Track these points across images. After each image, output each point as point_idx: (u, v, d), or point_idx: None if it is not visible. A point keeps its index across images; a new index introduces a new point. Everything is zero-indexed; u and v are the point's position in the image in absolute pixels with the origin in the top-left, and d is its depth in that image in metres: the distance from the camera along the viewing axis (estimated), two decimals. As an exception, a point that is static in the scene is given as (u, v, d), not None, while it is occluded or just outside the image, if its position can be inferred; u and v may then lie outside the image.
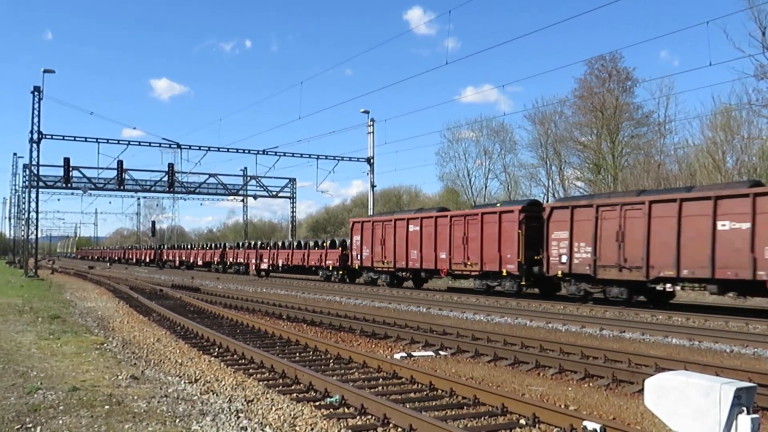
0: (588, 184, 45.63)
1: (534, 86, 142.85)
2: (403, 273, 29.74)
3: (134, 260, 78.89)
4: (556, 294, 23.44)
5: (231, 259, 50.45)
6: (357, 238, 32.18)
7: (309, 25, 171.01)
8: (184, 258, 61.05)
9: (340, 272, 35.26)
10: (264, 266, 44.30)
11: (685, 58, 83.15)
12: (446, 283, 31.78)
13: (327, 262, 36.54)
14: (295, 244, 42.44)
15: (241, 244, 51.21)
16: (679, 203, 18.01)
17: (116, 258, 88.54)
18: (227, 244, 54.85)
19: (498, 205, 26.07)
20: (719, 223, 16.98)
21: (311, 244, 40.33)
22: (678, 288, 18.51)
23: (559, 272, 21.22)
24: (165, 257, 66.58)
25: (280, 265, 42.19)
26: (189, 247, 65.66)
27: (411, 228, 28.45)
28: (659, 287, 18.74)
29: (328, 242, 38.32)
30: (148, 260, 72.38)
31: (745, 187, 17.45)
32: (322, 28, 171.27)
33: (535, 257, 22.30)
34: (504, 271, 23.36)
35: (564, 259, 21.01)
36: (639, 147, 44.12)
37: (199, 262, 56.77)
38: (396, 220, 29.66)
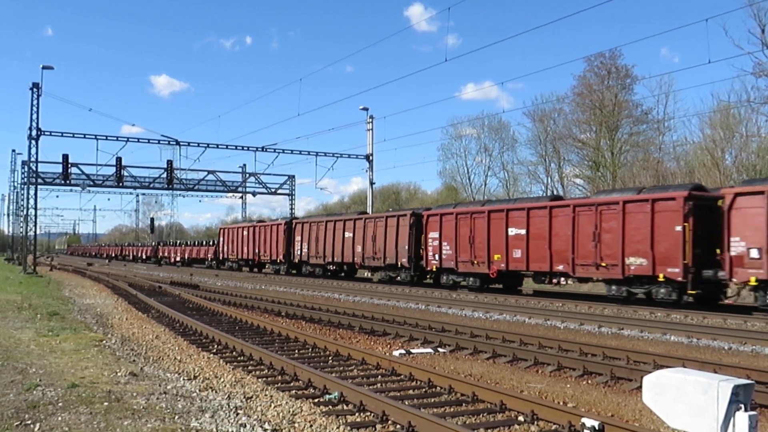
0: (587, 182, 45.64)
1: (535, 83, 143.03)
2: (241, 262, 45.81)
3: (104, 256, 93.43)
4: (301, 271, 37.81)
5: (161, 254, 68.69)
6: (221, 239, 48.96)
7: (310, 22, 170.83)
8: (136, 253, 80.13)
9: (214, 261, 52.18)
10: (178, 258, 62.41)
11: (685, 55, 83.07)
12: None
13: (208, 255, 54.42)
14: (194, 242, 63.46)
15: (166, 242, 74.28)
16: (343, 222, 32.78)
17: (93, 254, 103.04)
18: (160, 243, 76.02)
19: (267, 220, 42.39)
20: (345, 233, 32.17)
21: (203, 242, 60.39)
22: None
23: (297, 259, 37.31)
24: (123, 253, 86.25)
25: (186, 257, 60.28)
26: (135, 245, 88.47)
27: (245, 233, 44.38)
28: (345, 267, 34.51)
29: (211, 242, 56.20)
30: (111, 256, 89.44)
31: (355, 214, 33.73)
32: (323, 25, 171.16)
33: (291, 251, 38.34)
34: (278, 259, 39.17)
35: (299, 252, 36.87)
36: (638, 144, 44.09)
37: (143, 256, 75.58)
38: (237, 228, 46.91)
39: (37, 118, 38.01)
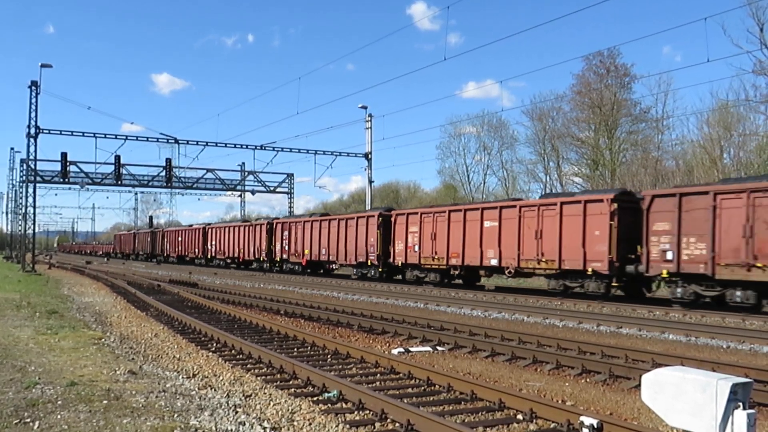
0: (586, 180, 45.64)
1: (536, 81, 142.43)
2: (141, 252, 66.90)
3: (88, 252, 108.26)
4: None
5: (96, 251, 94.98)
6: (117, 242, 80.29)
7: (312, 20, 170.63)
8: (89, 250, 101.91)
9: (118, 254, 77.52)
10: (102, 252, 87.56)
11: (684, 54, 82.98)
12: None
13: (108, 251, 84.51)
14: (108, 242, 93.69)
15: (97, 242, 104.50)
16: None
17: (78, 251, 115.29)
18: (95, 242, 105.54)
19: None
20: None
21: (109, 242, 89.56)
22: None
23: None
24: (72, 250, 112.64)
25: (110, 252, 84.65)
26: (83, 243, 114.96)
27: (136, 237, 70.47)
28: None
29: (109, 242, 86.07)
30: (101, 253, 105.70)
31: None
32: (325, 23, 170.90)
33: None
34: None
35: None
36: (637, 143, 44.12)
37: (88, 251, 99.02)
38: (129, 234, 73.58)
39: (36, 116, 38.02)
